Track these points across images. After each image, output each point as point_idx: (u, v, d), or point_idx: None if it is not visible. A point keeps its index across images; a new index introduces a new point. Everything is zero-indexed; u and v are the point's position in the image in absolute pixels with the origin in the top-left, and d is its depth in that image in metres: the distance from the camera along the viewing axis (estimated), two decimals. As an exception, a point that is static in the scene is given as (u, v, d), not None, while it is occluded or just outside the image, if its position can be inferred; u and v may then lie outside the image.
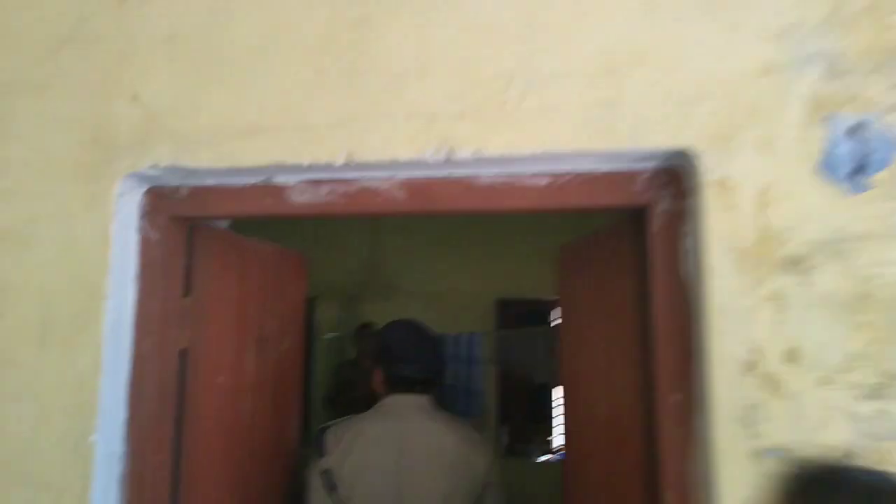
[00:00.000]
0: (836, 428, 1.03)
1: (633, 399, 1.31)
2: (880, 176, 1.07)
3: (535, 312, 4.85)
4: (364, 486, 1.52)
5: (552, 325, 4.55)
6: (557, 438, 5.07)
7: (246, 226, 1.62)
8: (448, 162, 1.20)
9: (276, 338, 1.82)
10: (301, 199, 1.31)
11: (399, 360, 1.70)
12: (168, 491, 1.40)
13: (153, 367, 1.36)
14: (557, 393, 4.99)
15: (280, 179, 1.32)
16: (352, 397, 4.46)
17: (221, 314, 1.58)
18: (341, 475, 1.55)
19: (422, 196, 1.25)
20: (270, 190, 1.32)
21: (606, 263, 1.49)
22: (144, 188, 1.36)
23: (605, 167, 1.21)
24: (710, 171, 1.11)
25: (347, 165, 1.24)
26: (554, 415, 5.00)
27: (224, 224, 1.66)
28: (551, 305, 4.87)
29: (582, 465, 1.60)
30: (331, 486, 1.55)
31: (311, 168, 1.26)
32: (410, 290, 4.97)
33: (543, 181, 1.23)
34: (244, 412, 1.65)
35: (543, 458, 4.92)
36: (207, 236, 1.54)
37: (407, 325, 1.81)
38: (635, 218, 1.27)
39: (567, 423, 1.71)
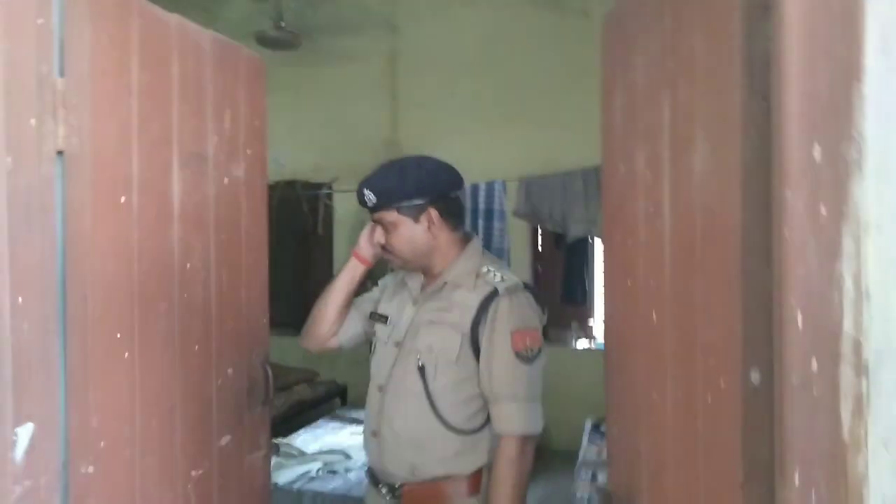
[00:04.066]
0: None
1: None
2: None
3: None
4: None
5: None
6: (600, 322, 4.67)
7: None
8: None
9: (221, 159, 1.34)
10: None
11: (457, 189, 1.46)
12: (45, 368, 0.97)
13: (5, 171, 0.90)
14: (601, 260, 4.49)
15: None
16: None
17: (121, 110, 1.10)
18: None
19: None
20: None
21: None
22: None
23: None
24: None
25: None
26: (595, 291, 4.52)
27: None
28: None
29: (637, 343, 1.11)
30: None
31: None
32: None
33: None
34: (168, 251, 1.20)
35: (583, 344, 4.48)
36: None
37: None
38: None
39: (610, 282, 1.23)
